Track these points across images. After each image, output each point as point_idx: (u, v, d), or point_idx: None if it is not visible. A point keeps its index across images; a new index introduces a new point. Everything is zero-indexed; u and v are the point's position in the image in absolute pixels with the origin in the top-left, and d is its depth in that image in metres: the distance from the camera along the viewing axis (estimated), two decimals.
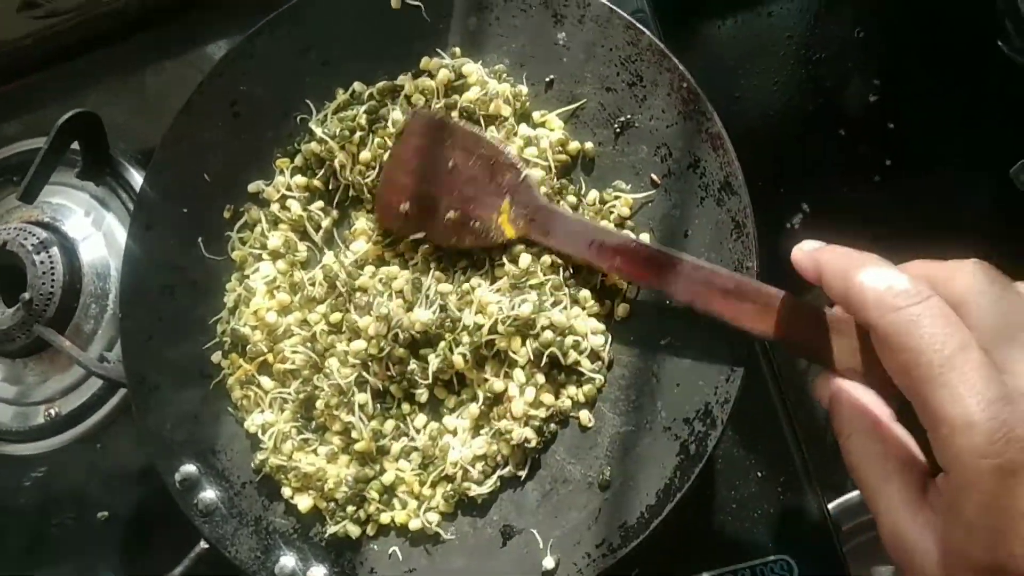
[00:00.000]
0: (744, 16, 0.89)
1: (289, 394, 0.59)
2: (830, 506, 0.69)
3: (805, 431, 0.65)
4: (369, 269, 0.60)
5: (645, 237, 0.56)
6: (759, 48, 0.88)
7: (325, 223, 0.62)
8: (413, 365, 0.57)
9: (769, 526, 0.62)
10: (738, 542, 0.62)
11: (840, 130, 0.85)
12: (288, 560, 0.58)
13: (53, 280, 0.74)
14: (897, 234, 0.83)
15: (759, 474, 0.63)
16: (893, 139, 0.83)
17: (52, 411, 0.77)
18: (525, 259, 0.56)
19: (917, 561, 0.38)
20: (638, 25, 0.56)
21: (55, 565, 0.75)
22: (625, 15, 0.56)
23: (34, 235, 0.75)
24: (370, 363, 0.58)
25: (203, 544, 0.60)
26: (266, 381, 0.60)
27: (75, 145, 0.74)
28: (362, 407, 0.58)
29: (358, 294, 0.59)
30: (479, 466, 0.56)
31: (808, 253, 0.47)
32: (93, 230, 0.78)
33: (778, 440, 0.63)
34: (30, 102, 0.86)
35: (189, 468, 0.60)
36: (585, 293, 0.56)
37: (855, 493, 0.75)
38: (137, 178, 0.78)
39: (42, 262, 0.74)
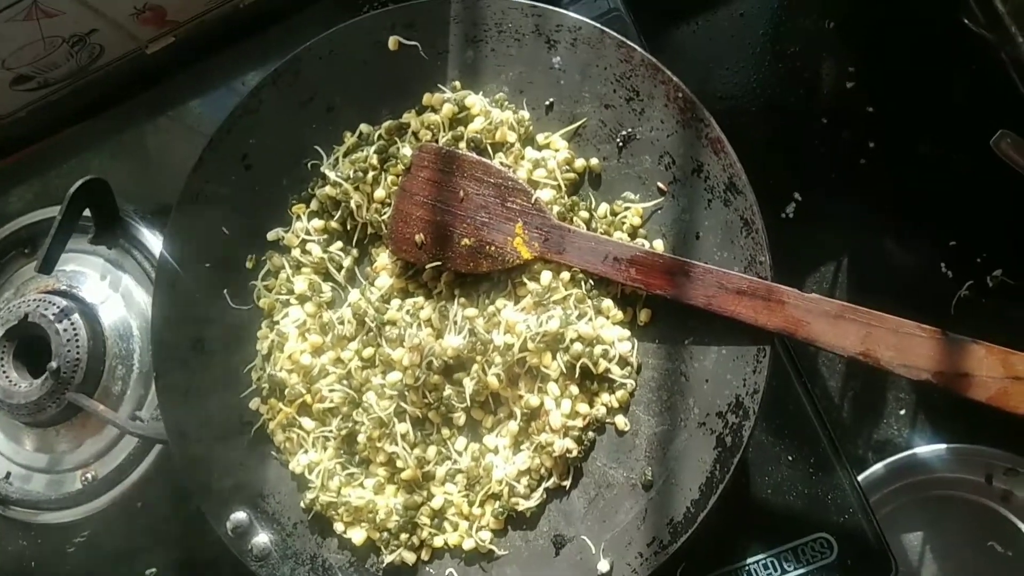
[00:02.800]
0: (716, 17, 0.92)
1: (331, 432, 0.61)
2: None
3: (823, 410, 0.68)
4: (395, 302, 0.62)
5: (658, 244, 0.58)
6: (735, 47, 0.91)
7: (346, 262, 0.64)
8: (449, 390, 0.59)
9: (804, 507, 0.64)
10: (776, 526, 0.65)
11: (822, 118, 0.88)
12: None
13: (78, 346, 0.75)
14: (886, 213, 0.86)
15: (789, 458, 0.65)
16: (874, 122, 0.86)
17: (88, 475, 0.78)
18: (546, 276, 0.58)
19: None
20: (629, 43, 0.59)
21: None
22: (616, 35, 0.59)
23: (54, 304, 0.76)
24: (407, 393, 0.60)
25: None
26: (307, 422, 0.62)
27: (86, 212, 0.76)
28: (404, 436, 0.60)
29: (388, 327, 0.61)
30: (524, 481, 0.58)
31: None
32: (111, 292, 0.79)
33: (803, 423, 0.65)
34: (32, 173, 0.88)
35: (240, 515, 0.61)
36: (608, 303, 0.58)
37: (879, 465, 0.78)
38: (149, 237, 0.79)
39: (65, 330, 0.75)
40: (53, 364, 0.74)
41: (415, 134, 0.63)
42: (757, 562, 0.64)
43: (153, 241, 0.79)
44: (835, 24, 0.89)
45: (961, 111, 0.84)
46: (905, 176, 0.85)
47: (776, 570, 0.64)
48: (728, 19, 0.92)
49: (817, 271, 0.86)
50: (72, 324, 0.76)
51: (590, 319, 0.58)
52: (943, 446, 0.78)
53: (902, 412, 0.83)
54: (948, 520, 0.80)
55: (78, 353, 0.75)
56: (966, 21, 0.79)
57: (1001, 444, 0.78)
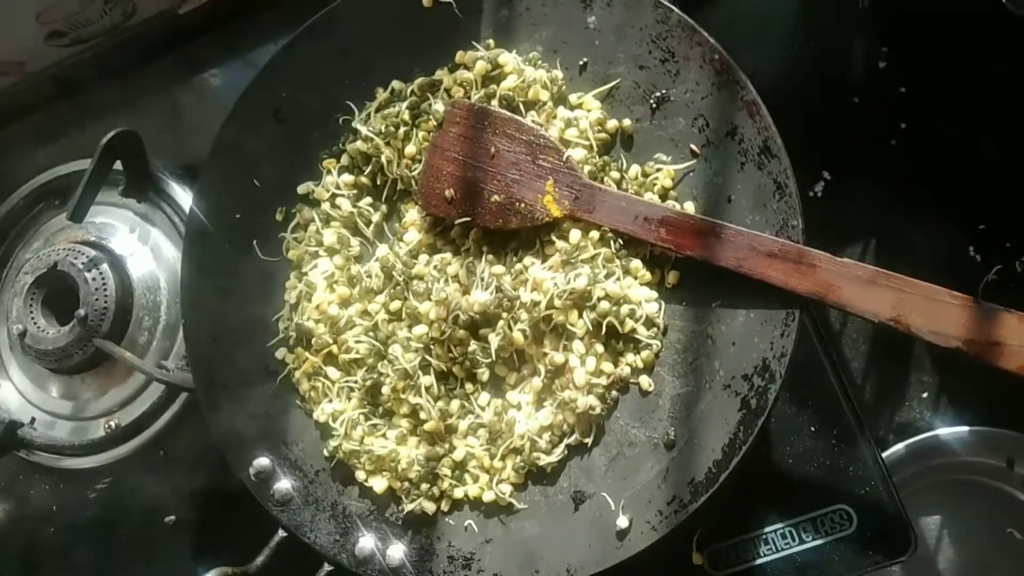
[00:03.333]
0: None
1: (355, 382, 0.61)
2: None
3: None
4: (423, 257, 0.62)
5: (689, 206, 0.58)
6: (769, 24, 0.90)
7: (375, 217, 0.65)
8: (474, 345, 0.59)
9: (825, 478, 0.64)
10: (797, 496, 0.64)
11: (854, 98, 0.87)
12: (367, 541, 0.60)
13: (106, 295, 0.76)
14: (916, 195, 0.86)
15: (812, 429, 0.65)
16: (905, 103, 0.85)
17: (112, 423, 0.79)
18: (575, 235, 0.58)
19: None
20: (666, 3, 0.59)
21: (128, 573, 0.76)
22: None
23: (83, 254, 0.77)
24: (432, 347, 0.60)
25: (281, 533, 0.61)
26: (332, 372, 0.62)
27: (117, 165, 0.77)
28: (427, 389, 0.60)
29: (415, 282, 0.61)
30: (546, 436, 0.58)
31: None
32: (139, 245, 0.80)
33: (827, 394, 0.65)
34: (64, 127, 0.89)
35: (263, 461, 0.62)
36: (636, 263, 0.58)
37: (901, 445, 0.77)
38: (178, 192, 0.80)
39: (93, 279, 0.76)
40: (81, 311, 0.75)
41: (447, 91, 0.63)
42: (775, 531, 0.64)
43: (182, 196, 0.79)
44: (869, 3, 0.88)
45: (994, 94, 0.83)
46: (936, 158, 0.85)
47: (794, 540, 0.64)
48: None
49: (844, 251, 0.84)
50: (100, 274, 0.76)
51: (618, 278, 0.58)
52: (966, 429, 0.78)
53: (925, 395, 0.83)
54: (967, 504, 0.79)
55: (106, 302, 0.76)
56: (1004, 2, 0.78)
57: None
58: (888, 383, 0.84)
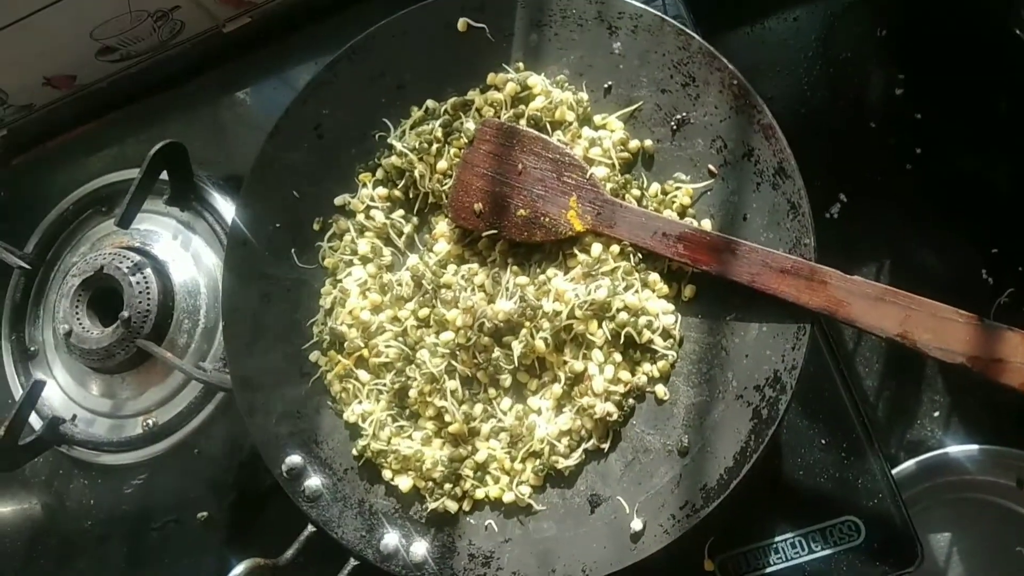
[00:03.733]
0: (770, 21, 0.95)
1: (384, 385, 0.65)
2: None
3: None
4: (452, 267, 0.65)
5: (706, 223, 0.61)
6: (787, 51, 0.93)
7: (407, 229, 0.68)
8: (497, 352, 0.62)
9: (834, 490, 0.66)
10: (806, 507, 0.67)
11: (871, 123, 0.90)
12: (391, 537, 0.62)
13: (148, 299, 0.80)
14: (930, 218, 0.88)
15: (822, 441, 0.67)
16: (921, 128, 0.88)
17: (149, 421, 0.82)
18: (596, 248, 0.61)
19: None
20: (688, 31, 0.62)
21: (160, 565, 0.80)
22: (675, 23, 0.62)
23: (128, 258, 0.81)
24: (458, 352, 0.63)
25: (310, 528, 0.64)
26: (363, 374, 0.66)
27: (163, 175, 0.81)
28: (452, 393, 0.63)
29: (443, 290, 0.64)
30: (565, 441, 0.61)
31: None
32: (182, 252, 0.84)
33: (838, 409, 0.67)
34: (112, 138, 0.93)
35: (295, 459, 0.65)
36: (654, 276, 0.61)
37: (911, 462, 0.79)
38: (220, 202, 0.84)
39: (137, 283, 0.80)
40: (125, 313, 0.78)
41: (478, 110, 0.67)
42: (785, 540, 0.66)
43: (224, 206, 0.83)
44: (887, 32, 0.91)
45: (1008, 120, 0.85)
46: (950, 183, 0.87)
47: (804, 549, 0.66)
48: (782, 24, 0.94)
49: (859, 271, 0.87)
50: (144, 278, 0.80)
51: (636, 291, 0.60)
52: (975, 447, 0.79)
53: (936, 414, 0.84)
54: (977, 523, 0.80)
55: (148, 305, 0.80)
56: (1017, 32, 0.80)
57: None
58: (900, 401, 0.85)
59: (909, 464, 0.79)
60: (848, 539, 0.65)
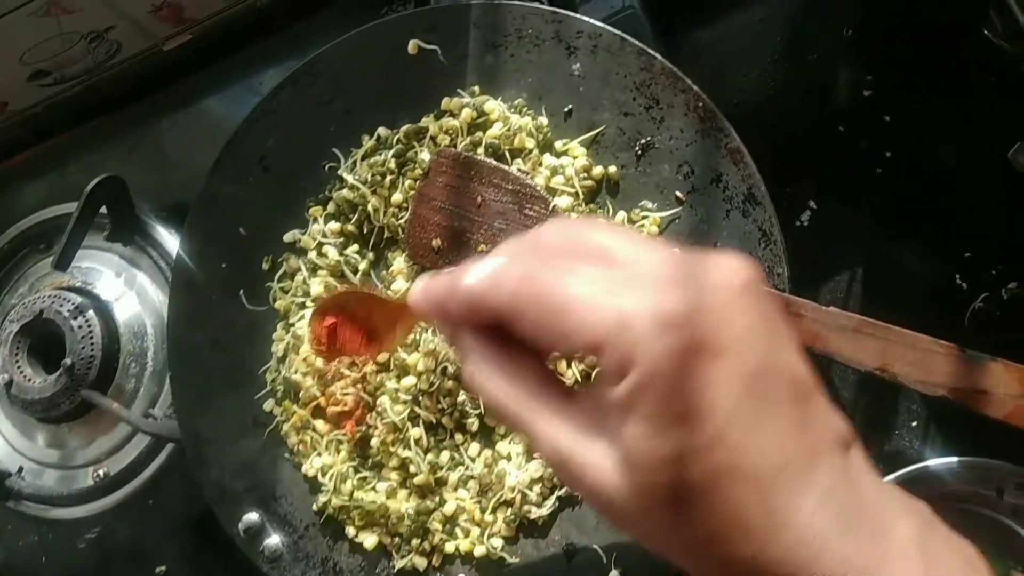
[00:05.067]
0: (733, 22, 0.91)
1: (344, 435, 0.61)
2: None
3: None
4: None
5: None
6: (752, 53, 0.90)
7: (362, 266, 0.64)
8: (462, 396, 0.59)
9: None
10: None
11: (839, 127, 0.87)
12: None
13: (92, 343, 0.75)
14: (902, 223, 0.86)
15: None
16: (891, 132, 0.86)
17: (100, 472, 0.78)
18: None
19: (590, 476, 0.32)
20: (650, 51, 0.59)
21: None
22: (636, 42, 0.59)
23: (69, 301, 0.76)
24: (421, 398, 0.60)
25: None
26: (320, 425, 0.62)
27: (102, 209, 0.76)
28: (417, 441, 0.60)
29: None
30: (536, 488, 0.58)
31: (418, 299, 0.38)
32: (125, 290, 0.79)
33: None
34: (48, 169, 0.88)
35: (252, 516, 0.62)
36: None
37: (890, 477, 0.77)
38: (164, 235, 0.79)
39: (80, 327, 0.75)
40: (67, 361, 0.74)
41: (433, 138, 0.63)
42: None
43: (169, 239, 0.79)
44: (853, 32, 0.88)
45: (978, 123, 0.83)
46: (921, 186, 0.85)
47: None
48: (746, 24, 0.91)
49: (831, 280, 0.86)
50: (87, 321, 0.76)
51: None
52: (955, 459, 0.78)
53: (914, 424, 0.83)
54: (959, 533, 0.79)
55: (92, 350, 0.75)
56: (986, 33, 0.78)
57: (1014, 458, 0.77)
58: (877, 413, 0.84)
59: (888, 479, 0.77)
60: None
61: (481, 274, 0.34)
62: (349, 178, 0.63)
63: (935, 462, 0.79)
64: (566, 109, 0.61)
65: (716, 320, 0.29)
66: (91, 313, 0.76)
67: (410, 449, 0.59)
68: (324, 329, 0.47)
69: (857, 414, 0.85)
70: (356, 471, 0.61)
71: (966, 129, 0.84)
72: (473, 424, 0.60)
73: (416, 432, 0.60)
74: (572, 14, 0.60)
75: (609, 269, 0.32)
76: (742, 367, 0.29)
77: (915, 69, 0.86)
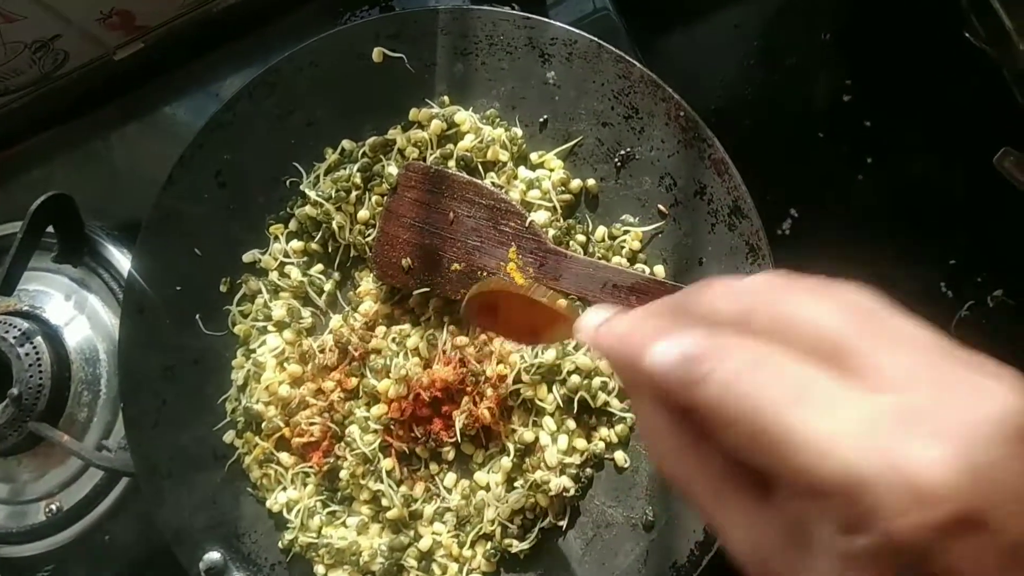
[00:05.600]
0: (710, 26, 0.89)
1: (311, 468, 0.57)
2: None
3: None
4: (380, 329, 0.58)
5: (659, 269, 0.55)
6: (729, 58, 0.88)
7: (328, 286, 0.61)
8: (437, 424, 0.56)
9: None
10: None
11: (819, 133, 0.85)
12: None
13: (40, 371, 0.71)
14: (885, 230, 0.84)
15: None
16: (871, 137, 0.84)
17: (53, 507, 0.73)
18: None
19: None
20: (628, 58, 0.56)
21: None
22: (614, 49, 0.56)
23: (15, 327, 0.71)
24: (392, 427, 0.56)
25: None
26: (285, 457, 0.58)
27: (49, 229, 0.72)
28: (389, 473, 0.56)
29: (372, 357, 0.57)
30: (517, 520, 0.55)
31: (592, 338, 0.34)
32: (76, 313, 0.75)
33: None
34: None
35: (213, 556, 0.58)
36: None
37: None
38: (116, 255, 0.75)
39: (27, 354, 0.71)
40: (14, 391, 0.69)
41: (401, 151, 0.60)
42: None
43: (121, 259, 0.74)
44: (832, 36, 0.86)
45: (961, 127, 0.82)
46: (904, 193, 0.83)
47: None
48: (722, 29, 0.89)
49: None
50: (35, 348, 0.71)
51: (588, 349, 0.54)
52: None
53: None
54: None
55: (41, 379, 0.70)
56: (967, 35, 0.77)
57: None
58: None
59: None
60: None
61: (674, 356, 0.28)
62: (312, 194, 0.59)
63: None
64: (541, 119, 0.58)
65: (987, 487, 0.24)
66: (39, 339, 0.71)
67: (382, 481, 0.56)
68: (484, 307, 0.43)
69: None
70: (324, 505, 0.57)
71: (948, 134, 0.82)
72: (449, 453, 0.57)
73: (388, 463, 0.56)
74: (545, 19, 0.57)
75: (845, 381, 0.26)
76: (1003, 540, 0.24)
77: (895, 74, 0.84)
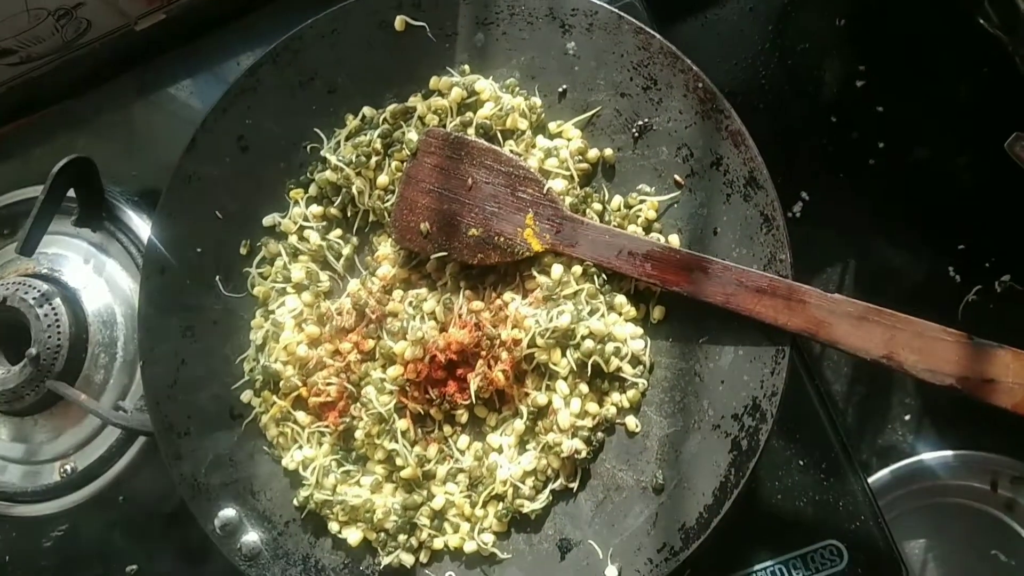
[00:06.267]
0: (724, 11, 0.90)
1: (327, 427, 0.58)
2: None
3: None
4: (397, 293, 0.59)
5: (674, 239, 0.56)
6: (743, 42, 0.89)
7: (346, 251, 0.62)
8: (452, 387, 0.57)
9: (815, 513, 0.63)
10: (785, 532, 0.63)
11: (831, 117, 0.86)
12: None
13: (59, 332, 0.72)
14: (894, 214, 0.85)
15: (800, 463, 0.63)
16: (884, 122, 0.85)
17: (67, 467, 0.74)
18: (557, 270, 0.56)
19: None
20: (648, 29, 0.56)
21: None
22: (634, 20, 0.57)
23: (35, 288, 0.72)
24: (408, 388, 0.57)
25: None
26: (302, 416, 0.59)
27: (70, 192, 0.73)
28: (404, 433, 0.57)
29: (389, 319, 0.58)
30: (529, 482, 0.56)
31: None
32: (94, 277, 0.76)
33: (815, 428, 0.63)
34: (13, 151, 0.84)
35: (229, 512, 0.59)
36: (620, 299, 0.56)
37: (885, 471, 0.76)
38: (135, 220, 0.76)
39: (45, 315, 0.72)
40: (32, 350, 0.70)
41: (421, 119, 0.60)
42: (764, 568, 0.62)
43: (140, 225, 0.75)
44: (846, 21, 0.87)
45: (972, 113, 0.82)
46: (914, 177, 0.84)
47: None
48: (737, 13, 0.90)
49: (823, 272, 0.85)
50: (53, 309, 0.72)
51: (602, 315, 0.55)
52: (949, 452, 0.77)
53: (907, 417, 0.82)
54: (952, 527, 0.78)
55: (59, 339, 0.72)
56: (981, 22, 0.77)
57: (1007, 451, 0.77)
58: (871, 407, 0.83)
59: (884, 473, 0.77)
60: (830, 564, 0.62)
61: None
62: (332, 159, 0.60)
63: (929, 456, 0.78)
64: (560, 89, 0.59)
65: None
66: (58, 301, 0.73)
67: (396, 441, 0.57)
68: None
69: (850, 408, 0.84)
70: (339, 464, 0.58)
71: (960, 120, 0.83)
72: (463, 416, 0.57)
73: (403, 424, 0.57)
74: None
75: None
76: None
77: (909, 59, 0.85)
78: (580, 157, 0.58)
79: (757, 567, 0.62)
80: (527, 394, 0.56)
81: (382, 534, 0.57)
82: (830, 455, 0.63)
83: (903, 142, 0.84)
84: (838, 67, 0.88)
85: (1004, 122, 0.73)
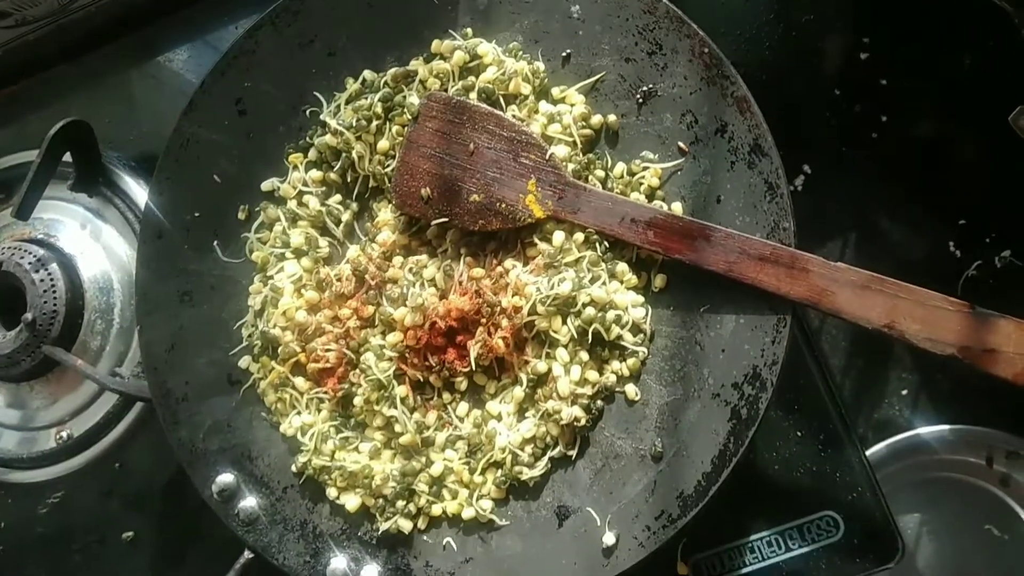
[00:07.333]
0: None
1: (326, 393, 0.58)
2: None
3: None
4: (397, 259, 0.59)
5: (677, 206, 0.56)
6: (746, 14, 0.87)
7: (346, 216, 0.61)
8: (451, 354, 0.56)
9: (812, 484, 0.63)
10: (782, 503, 0.63)
11: (835, 90, 0.85)
12: (339, 562, 0.57)
13: (55, 298, 0.71)
14: (896, 188, 0.84)
15: (798, 434, 0.63)
16: (887, 95, 0.84)
17: (63, 433, 0.74)
18: (559, 236, 0.55)
19: None
20: None
21: None
22: None
23: (31, 253, 0.72)
24: (407, 355, 0.57)
25: (248, 554, 0.58)
26: (300, 382, 0.59)
27: (66, 157, 0.72)
28: (403, 400, 0.57)
29: (389, 286, 0.58)
30: (528, 449, 0.56)
31: None
32: (91, 243, 0.75)
33: (814, 398, 0.63)
34: (9, 116, 0.83)
35: (226, 478, 0.59)
36: (622, 266, 0.56)
37: (881, 445, 0.76)
38: (132, 186, 0.75)
39: (42, 280, 0.71)
40: (28, 315, 0.70)
41: (423, 83, 0.60)
42: (761, 539, 0.62)
43: (137, 190, 0.75)
44: None
45: (976, 87, 0.81)
46: (917, 152, 0.83)
47: (780, 547, 0.62)
48: None
49: (824, 245, 0.84)
50: (49, 274, 0.72)
51: (603, 283, 0.55)
52: (946, 427, 0.77)
53: (904, 392, 0.82)
54: (946, 502, 0.79)
55: (55, 305, 0.71)
56: None
57: (1003, 426, 0.77)
58: (867, 380, 0.83)
59: (880, 447, 0.76)
60: (827, 535, 0.62)
61: None
62: (332, 123, 0.60)
63: (925, 430, 0.78)
64: (564, 54, 0.58)
65: None
66: (54, 266, 0.72)
67: (395, 408, 0.57)
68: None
69: (847, 382, 0.83)
70: (338, 430, 0.58)
71: (964, 93, 0.82)
72: (462, 383, 0.57)
73: (402, 390, 0.57)
74: None
75: None
76: None
77: (913, 32, 0.84)
78: (583, 123, 0.57)
79: (754, 537, 0.62)
80: (527, 362, 0.56)
81: (380, 500, 0.57)
82: (828, 426, 0.63)
83: (906, 116, 0.83)
84: (842, 40, 0.87)
85: (1009, 96, 0.72)
